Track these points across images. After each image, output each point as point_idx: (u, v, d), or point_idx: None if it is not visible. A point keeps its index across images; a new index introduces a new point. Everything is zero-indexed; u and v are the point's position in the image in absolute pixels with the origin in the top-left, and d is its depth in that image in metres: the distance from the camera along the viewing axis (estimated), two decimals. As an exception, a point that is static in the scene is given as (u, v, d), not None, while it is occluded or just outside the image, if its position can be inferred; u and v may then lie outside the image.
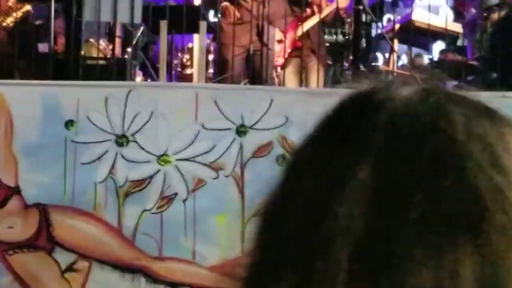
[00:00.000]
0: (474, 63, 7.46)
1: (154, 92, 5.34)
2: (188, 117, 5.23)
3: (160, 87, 5.55)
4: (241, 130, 5.22)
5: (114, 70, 5.94)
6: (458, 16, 9.35)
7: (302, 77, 7.36)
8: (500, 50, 6.28)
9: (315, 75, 7.14)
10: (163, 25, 5.60)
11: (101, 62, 6.72)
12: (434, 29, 6.66)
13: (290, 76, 7.11)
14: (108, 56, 6.96)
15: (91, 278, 5.11)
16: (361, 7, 5.73)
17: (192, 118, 5.23)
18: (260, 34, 6.46)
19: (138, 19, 5.73)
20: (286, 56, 7.00)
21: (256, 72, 6.32)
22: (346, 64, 7.97)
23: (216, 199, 5.19)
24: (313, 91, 5.56)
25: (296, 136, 5.23)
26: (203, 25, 5.55)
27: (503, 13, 7.64)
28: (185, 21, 5.59)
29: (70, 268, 5.09)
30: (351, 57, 7.39)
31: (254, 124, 5.23)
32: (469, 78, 6.58)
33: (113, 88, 5.32)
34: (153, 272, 5.13)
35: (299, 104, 5.27)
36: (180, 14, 5.75)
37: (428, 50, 8.56)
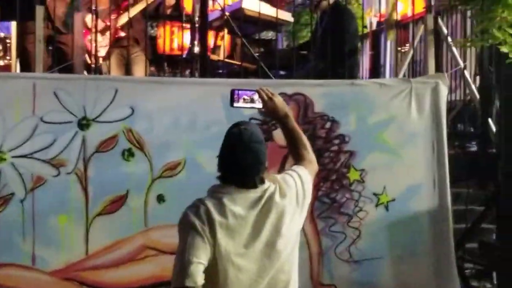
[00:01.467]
0: (305, 52, 7.73)
1: (-18, 83, 5.10)
2: (25, 110, 5.02)
3: (-8, 77, 5.31)
4: (83, 123, 5.08)
5: None
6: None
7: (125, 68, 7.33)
8: (328, 39, 6.50)
9: (140, 67, 7.11)
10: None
11: None
12: (264, 18, 6.78)
13: (114, 68, 7.03)
14: None
15: None
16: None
17: (29, 111, 5.03)
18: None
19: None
20: (107, 46, 6.93)
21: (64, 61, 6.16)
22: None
23: (57, 198, 5.02)
24: (162, 80, 5.51)
25: (142, 128, 5.17)
26: (40, 10, 5.34)
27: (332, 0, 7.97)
28: (18, 7, 5.37)
29: None
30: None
31: (98, 117, 5.10)
32: (300, 66, 6.73)
33: None
34: (-13, 280, 4.92)
35: (146, 94, 5.22)
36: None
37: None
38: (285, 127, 3.74)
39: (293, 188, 3.45)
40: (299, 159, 3.71)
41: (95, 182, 5.07)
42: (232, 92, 3.65)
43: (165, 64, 7.64)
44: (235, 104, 3.69)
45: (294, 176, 3.51)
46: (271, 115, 3.81)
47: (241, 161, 3.33)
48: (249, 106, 3.72)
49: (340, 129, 5.38)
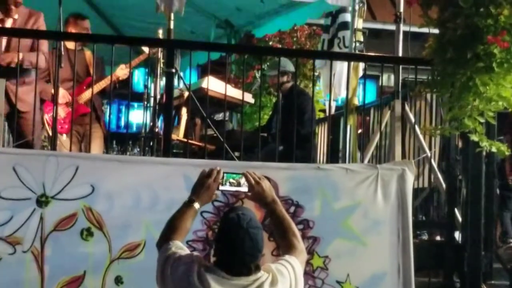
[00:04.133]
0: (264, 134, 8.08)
1: None
2: (-18, 185, 5.14)
3: None
4: (42, 200, 5.26)
5: None
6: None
7: (82, 146, 7.62)
8: (285, 123, 6.82)
9: (97, 144, 7.39)
10: None
11: None
12: (229, 99, 7.06)
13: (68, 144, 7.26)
14: None
15: None
16: (173, 70, 6.07)
17: (-14, 186, 5.15)
18: None
19: None
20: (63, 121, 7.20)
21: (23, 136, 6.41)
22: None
23: (12, 277, 5.15)
24: (124, 159, 5.73)
25: (102, 207, 5.35)
26: (1, 83, 5.61)
27: (290, 85, 8.41)
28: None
29: None
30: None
31: (57, 194, 5.28)
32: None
33: None
34: None
35: (107, 172, 5.43)
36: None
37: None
38: (272, 213, 3.92)
39: (287, 279, 3.58)
40: (289, 248, 3.83)
41: (52, 262, 5.21)
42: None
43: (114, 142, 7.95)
44: (221, 188, 3.93)
45: (288, 267, 3.63)
46: (257, 200, 4.00)
47: (240, 249, 3.48)
48: (235, 189, 3.96)
49: (304, 214, 5.57)
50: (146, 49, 7.45)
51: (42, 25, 6.87)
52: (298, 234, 3.96)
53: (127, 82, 7.31)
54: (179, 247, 4.12)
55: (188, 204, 4.39)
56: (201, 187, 4.42)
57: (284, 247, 3.96)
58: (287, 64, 8.50)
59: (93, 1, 10.88)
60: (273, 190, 4.07)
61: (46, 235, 5.26)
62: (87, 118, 7.22)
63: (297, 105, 7.35)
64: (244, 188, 4.13)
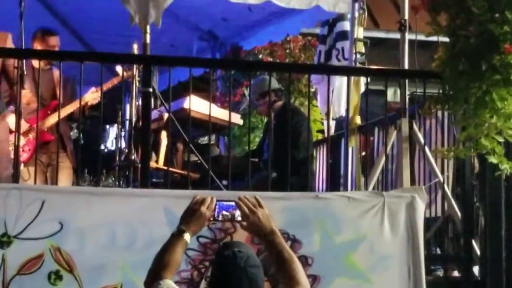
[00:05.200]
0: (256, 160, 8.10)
1: None
2: None
3: None
4: (3, 240, 5.24)
5: None
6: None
7: (47, 176, 7.60)
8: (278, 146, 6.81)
9: (65, 175, 7.38)
10: None
11: None
12: (214, 121, 7.05)
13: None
14: None
15: None
16: (150, 90, 6.06)
17: None
18: None
19: None
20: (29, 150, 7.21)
21: None
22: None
23: (-30, 329, 5.08)
24: (96, 191, 5.72)
25: (73, 246, 5.33)
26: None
27: (280, 103, 8.43)
28: None
29: None
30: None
31: (21, 233, 5.26)
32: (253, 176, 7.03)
33: None
34: None
35: (77, 207, 5.41)
36: None
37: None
38: (271, 246, 3.88)
39: None
40: (292, 284, 3.82)
41: (16, 311, 5.15)
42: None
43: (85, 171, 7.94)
44: (213, 221, 3.91)
45: None
46: (253, 231, 3.97)
47: None
48: (230, 221, 3.94)
49: (302, 250, 5.57)
50: (119, 68, 7.43)
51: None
52: (301, 268, 3.95)
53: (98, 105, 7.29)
54: (171, 287, 4.08)
55: (177, 234, 4.36)
56: (192, 215, 4.38)
57: (286, 284, 3.93)
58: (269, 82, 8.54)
59: (60, 14, 10.87)
60: (272, 219, 4.04)
61: (8, 280, 5.23)
62: (52, 147, 7.19)
63: (291, 126, 7.36)
64: (239, 219, 4.12)
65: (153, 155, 7.88)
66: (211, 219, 4.24)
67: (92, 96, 7.71)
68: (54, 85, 7.85)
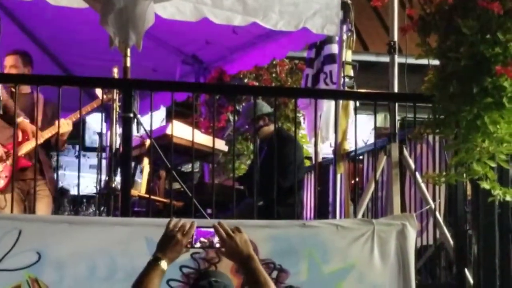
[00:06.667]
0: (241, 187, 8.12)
1: None
2: None
3: None
4: (-22, 272, 5.16)
5: None
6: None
7: (26, 205, 7.59)
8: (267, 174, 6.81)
9: (44, 204, 7.36)
10: None
11: None
12: (198, 147, 7.07)
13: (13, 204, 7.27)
14: None
15: None
16: (131, 115, 6.06)
17: None
18: None
19: None
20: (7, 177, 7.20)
21: None
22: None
23: None
24: (75, 220, 5.71)
25: (51, 277, 5.32)
26: None
27: (271, 128, 8.44)
28: None
29: None
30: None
31: (-4, 264, 5.20)
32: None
33: None
34: None
35: (55, 236, 5.40)
36: None
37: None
38: (248, 271, 3.89)
39: None
40: None
41: None
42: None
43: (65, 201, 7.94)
44: (191, 248, 3.92)
45: None
46: (231, 256, 3.97)
47: None
48: (207, 248, 3.95)
49: (289, 280, 5.58)
50: (99, 92, 7.42)
51: None
52: None
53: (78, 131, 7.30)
54: None
55: (153, 262, 4.35)
56: (168, 242, 4.37)
57: None
58: (262, 107, 8.56)
59: (35, 35, 10.87)
60: (250, 245, 4.04)
61: (-17, 314, 5.21)
62: (29, 173, 7.18)
63: (284, 153, 7.37)
64: (217, 245, 4.13)
65: (137, 182, 7.89)
66: (188, 245, 4.23)
67: (66, 128, 7.65)
68: (34, 108, 7.83)
